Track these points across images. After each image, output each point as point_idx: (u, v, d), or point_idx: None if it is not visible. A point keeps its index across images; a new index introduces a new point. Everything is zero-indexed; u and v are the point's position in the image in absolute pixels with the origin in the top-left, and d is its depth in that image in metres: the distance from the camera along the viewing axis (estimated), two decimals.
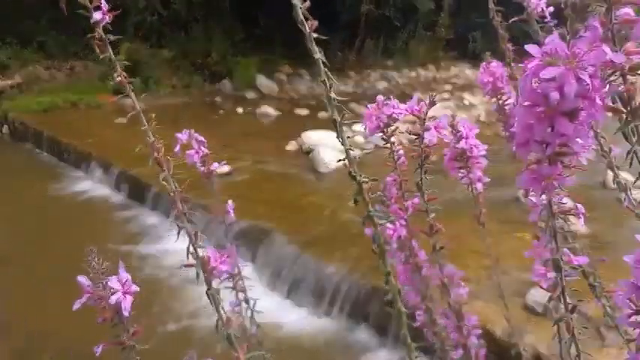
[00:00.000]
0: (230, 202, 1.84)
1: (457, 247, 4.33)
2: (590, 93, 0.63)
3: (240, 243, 5.95)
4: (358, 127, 10.24)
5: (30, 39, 14.59)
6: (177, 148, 1.63)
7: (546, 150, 0.66)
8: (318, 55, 1.10)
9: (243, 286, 1.88)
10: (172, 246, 6.42)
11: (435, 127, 1.13)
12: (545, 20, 1.55)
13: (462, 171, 1.34)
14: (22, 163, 10.34)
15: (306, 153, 8.90)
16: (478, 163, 1.35)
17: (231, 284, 1.88)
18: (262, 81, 15.95)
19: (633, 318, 0.80)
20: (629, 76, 0.69)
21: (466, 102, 14.59)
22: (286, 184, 7.57)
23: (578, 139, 0.66)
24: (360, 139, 9.71)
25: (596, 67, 0.62)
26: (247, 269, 6.11)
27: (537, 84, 0.63)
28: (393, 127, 1.25)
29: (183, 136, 1.66)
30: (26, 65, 14.19)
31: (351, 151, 1.18)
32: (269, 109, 13.24)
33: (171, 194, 1.28)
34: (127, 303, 0.93)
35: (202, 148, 1.69)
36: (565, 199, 0.86)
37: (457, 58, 21.92)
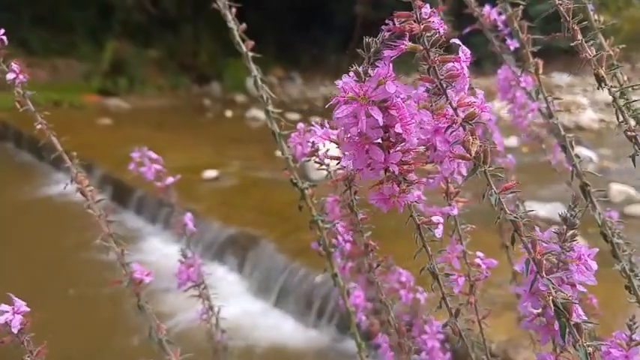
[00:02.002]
0: (189, 214, 1.93)
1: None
2: (393, 123, 0.71)
3: (227, 251, 5.99)
4: None
5: (10, 35, 14.49)
6: (131, 166, 1.77)
7: (372, 174, 0.76)
8: (255, 72, 1.21)
9: (207, 294, 1.95)
10: (153, 249, 6.48)
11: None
12: (499, 29, 1.60)
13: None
14: (1, 162, 10.34)
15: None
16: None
17: (197, 292, 1.94)
18: (252, 84, 15.96)
19: (536, 320, 0.88)
20: (466, 126, 0.78)
21: None
22: (275, 191, 7.59)
23: (395, 163, 0.75)
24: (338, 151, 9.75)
25: (391, 98, 0.71)
26: (234, 278, 6.14)
27: (341, 121, 0.72)
28: (322, 150, 1.30)
29: (136, 154, 1.81)
30: (6, 62, 14.10)
31: (291, 159, 1.26)
32: (259, 113, 13.27)
33: (97, 219, 1.39)
34: (15, 322, 1.00)
35: (155, 166, 1.81)
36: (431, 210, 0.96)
37: None
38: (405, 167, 0.77)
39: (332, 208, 1.40)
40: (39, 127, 1.21)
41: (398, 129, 0.73)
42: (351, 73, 0.74)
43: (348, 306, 1.31)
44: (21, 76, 1.21)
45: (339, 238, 1.37)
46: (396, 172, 0.76)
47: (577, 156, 1.43)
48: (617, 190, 6.90)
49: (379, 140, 0.74)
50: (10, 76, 1.20)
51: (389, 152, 0.75)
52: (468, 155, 0.78)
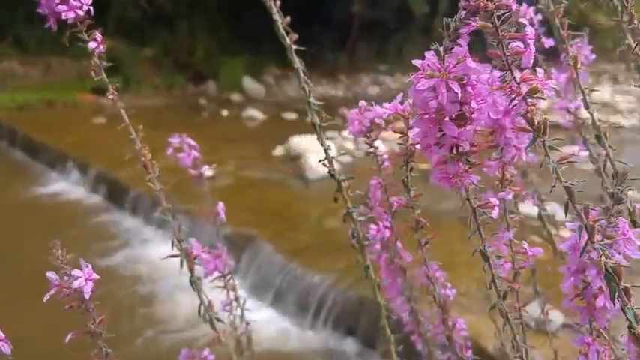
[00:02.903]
0: (221, 204, 1.95)
1: (447, 258, 4.41)
2: (468, 99, 0.75)
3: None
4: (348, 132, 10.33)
5: (4, 33, 14.56)
6: (169, 151, 1.77)
7: (440, 151, 0.79)
8: (298, 64, 1.22)
9: (234, 284, 1.98)
10: (149, 249, 6.49)
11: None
12: (534, 27, 1.65)
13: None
14: None
15: (294, 159, 8.97)
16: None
17: (222, 283, 1.96)
18: (249, 83, 16.01)
19: (576, 300, 0.91)
20: (529, 99, 0.83)
21: None
22: (272, 191, 7.64)
23: (466, 140, 0.79)
24: (350, 145, 9.80)
25: (468, 76, 0.75)
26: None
27: (420, 95, 0.76)
28: (376, 132, 1.33)
29: (175, 140, 1.80)
30: (0, 61, 14.17)
31: (331, 152, 1.27)
32: (255, 113, 13.31)
33: (157, 192, 1.39)
34: (87, 287, 1.04)
35: (194, 152, 1.81)
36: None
37: None
38: (473, 148, 0.81)
39: (374, 193, 1.43)
40: (111, 96, 1.24)
41: (473, 104, 0.76)
42: (431, 52, 0.78)
43: (379, 299, 1.35)
44: (101, 47, 1.27)
45: (380, 224, 1.40)
46: (466, 150, 0.80)
47: (610, 146, 1.48)
48: None
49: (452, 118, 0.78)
50: (92, 44, 1.25)
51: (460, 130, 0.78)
52: (529, 127, 0.82)
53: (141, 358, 4.86)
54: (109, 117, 12.17)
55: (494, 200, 0.94)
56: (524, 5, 1.67)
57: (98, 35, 1.27)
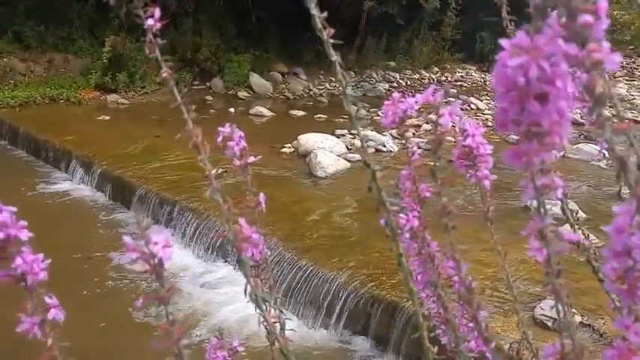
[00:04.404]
0: (262, 194, 2.00)
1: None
2: (553, 78, 0.82)
3: (230, 248, 6.07)
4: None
5: (4, 28, 14.50)
6: (219, 139, 1.83)
7: (520, 128, 0.86)
8: (335, 57, 1.27)
9: (268, 275, 2.03)
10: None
11: (449, 113, 1.28)
12: None
13: (469, 170, 1.48)
14: None
15: (302, 156, 9.04)
16: (485, 162, 1.50)
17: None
18: (256, 80, 16.06)
19: (618, 283, 0.96)
20: (592, 71, 0.87)
21: (472, 106, 14.77)
22: (281, 189, 7.69)
23: (547, 119, 0.86)
24: (359, 142, 9.84)
25: (555, 56, 0.82)
26: (239, 277, 6.25)
27: (507, 71, 0.83)
28: (407, 123, 1.40)
29: (226, 129, 1.87)
30: (0, 57, 14.11)
31: (369, 142, 1.33)
32: (263, 110, 13.37)
33: (208, 174, 1.44)
34: (166, 254, 1.07)
35: (243, 142, 1.89)
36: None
37: (463, 60, 22.12)
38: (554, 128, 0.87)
39: (404, 182, 1.50)
40: (164, 75, 1.29)
41: (559, 83, 0.83)
42: (522, 31, 0.84)
43: (411, 286, 1.40)
44: (158, 24, 1.32)
45: (409, 214, 1.47)
46: (546, 128, 0.86)
47: (635, 136, 1.54)
48: None
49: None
50: (149, 22, 1.30)
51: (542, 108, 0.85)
52: (588, 98, 0.88)
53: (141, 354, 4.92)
54: (114, 114, 12.26)
55: (557, 180, 0.99)
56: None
57: (157, 11, 1.32)
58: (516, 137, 0.90)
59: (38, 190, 8.76)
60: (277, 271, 5.70)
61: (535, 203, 0.99)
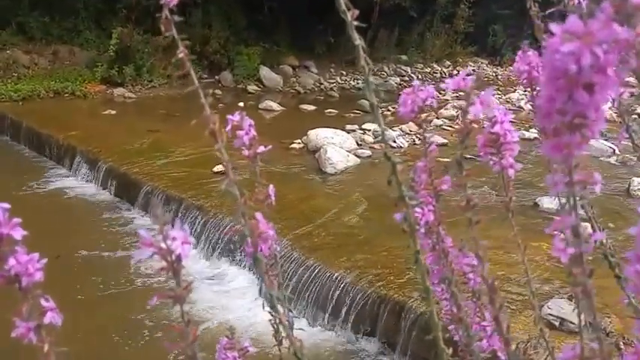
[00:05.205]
0: (272, 186, 1.96)
1: None
2: (605, 66, 0.76)
3: (236, 246, 6.05)
4: (368, 125, 10.35)
5: (8, 19, 14.41)
6: (228, 127, 1.77)
7: (565, 118, 0.80)
8: (359, 41, 1.22)
9: (277, 271, 1.99)
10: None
11: (480, 102, 1.23)
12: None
13: (493, 158, 1.43)
14: None
15: (312, 152, 8.99)
16: (511, 150, 1.45)
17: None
18: (266, 73, 16.03)
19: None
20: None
21: None
22: (289, 185, 7.64)
23: (593, 110, 0.80)
24: (369, 138, 9.81)
25: (608, 43, 0.76)
26: (245, 276, 6.22)
27: (558, 58, 0.77)
28: (426, 113, 1.35)
29: (236, 117, 1.81)
30: (3, 49, 14.04)
31: (388, 133, 1.29)
32: (273, 104, 13.32)
33: (225, 163, 1.39)
34: (185, 250, 1.02)
35: (253, 131, 1.83)
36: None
37: (475, 53, 22.11)
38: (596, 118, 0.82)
39: (420, 174, 1.45)
40: (181, 55, 1.25)
41: (610, 72, 0.78)
42: (574, 16, 0.80)
43: (427, 284, 1.36)
44: (174, 1, 1.27)
45: (425, 208, 1.42)
46: (592, 119, 0.81)
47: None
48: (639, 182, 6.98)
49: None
50: None
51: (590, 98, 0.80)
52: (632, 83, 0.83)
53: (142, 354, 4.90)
54: (120, 108, 12.23)
55: (597, 175, 0.95)
56: None
57: None
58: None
59: (41, 187, 8.74)
60: (285, 270, 5.66)
61: (565, 199, 0.93)
